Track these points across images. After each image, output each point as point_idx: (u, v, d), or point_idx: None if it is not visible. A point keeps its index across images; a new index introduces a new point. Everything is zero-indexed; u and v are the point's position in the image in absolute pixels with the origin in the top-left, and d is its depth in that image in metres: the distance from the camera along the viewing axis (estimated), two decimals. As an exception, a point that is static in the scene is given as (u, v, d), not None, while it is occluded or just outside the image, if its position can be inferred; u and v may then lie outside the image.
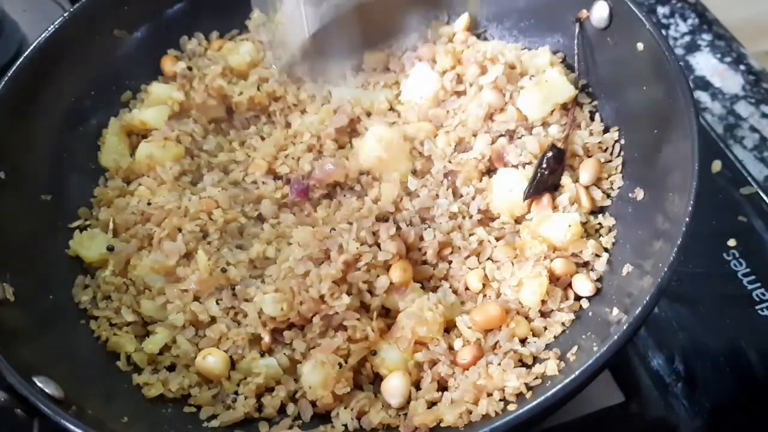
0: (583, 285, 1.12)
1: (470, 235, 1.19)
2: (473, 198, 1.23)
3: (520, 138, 1.26)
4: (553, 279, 1.13)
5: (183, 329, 1.15)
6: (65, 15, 1.33)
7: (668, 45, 1.11)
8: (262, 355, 1.13)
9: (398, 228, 1.17)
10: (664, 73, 1.10)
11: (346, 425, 1.06)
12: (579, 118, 1.27)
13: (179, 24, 1.47)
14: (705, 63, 1.77)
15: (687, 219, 0.97)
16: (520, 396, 1.03)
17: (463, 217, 1.21)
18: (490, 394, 1.04)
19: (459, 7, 1.43)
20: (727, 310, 1.34)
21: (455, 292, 1.16)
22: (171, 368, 1.14)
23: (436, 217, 1.21)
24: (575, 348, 1.05)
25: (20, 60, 1.26)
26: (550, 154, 1.20)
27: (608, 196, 1.21)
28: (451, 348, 1.10)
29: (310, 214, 1.26)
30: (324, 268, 1.11)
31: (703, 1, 1.88)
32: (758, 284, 1.35)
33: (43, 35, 1.30)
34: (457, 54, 1.35)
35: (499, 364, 1.06)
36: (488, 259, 1.18)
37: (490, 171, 1.26)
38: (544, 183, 1.19)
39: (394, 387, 1.07)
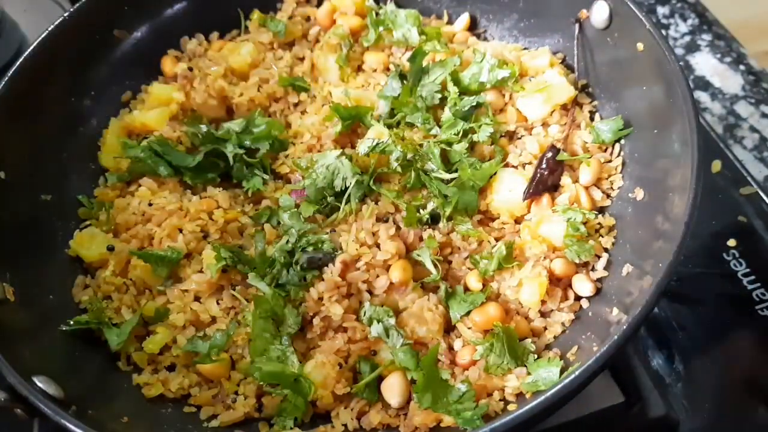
0: (583, 285, 1.12)
1: (470, 235, 1.19)
2: (473, 198, 1.22)
3: (520, 138, 1.26)
4: (553, 279, 1.13)
5: (183, 329, 1.15)
6: (65, 15, 1.33)
7: (668, 45, 1.11)
8: (263, 356, 1.13)
9: (398, 228, 1.17)
10: (664, 73, 1.10)
11: (346, 425, 1.06)
12: (579, 118, 1.27)
13: (179, 24, 1.47)
14: (705, 63, 1.77)
15: (687, 219, 0.97)
16: (520, 396, 1.03)
17: (463, 218, 1.21)
18: (490, 394, 1.04)
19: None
20: (727, 310, 1.34)
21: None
22: (171, 368, 1.14)
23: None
24: (575, 348, 1.05)
25: (20, 60, 1.27)
26: (550, 154, 1.20)
27: (608, 196, 1.21)
28: (451, 348, 1.10)
29: (310, 214, 1.26)
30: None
31: (703, 1, 1.88)
32: (758, 284, 1.35)
33: (43, 35, 1.30)
34: (457, 54, 1.35)
35: (499, 364, 1.06)
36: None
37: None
38: (544, 183, 1.19)
39: (394, 387, 1.07)
